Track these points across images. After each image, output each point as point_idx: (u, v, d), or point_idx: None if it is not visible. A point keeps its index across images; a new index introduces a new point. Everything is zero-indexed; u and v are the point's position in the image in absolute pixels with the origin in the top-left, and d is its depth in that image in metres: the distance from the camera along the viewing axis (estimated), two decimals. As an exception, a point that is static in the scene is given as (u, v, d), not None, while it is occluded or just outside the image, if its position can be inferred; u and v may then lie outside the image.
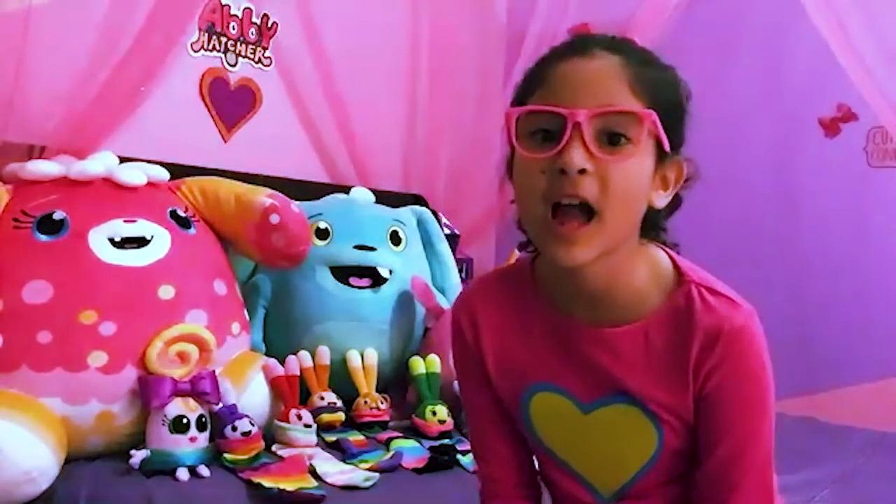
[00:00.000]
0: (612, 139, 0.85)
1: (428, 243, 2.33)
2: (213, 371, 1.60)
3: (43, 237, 1.55)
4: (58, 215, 1.57)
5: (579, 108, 0.84)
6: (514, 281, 1.02)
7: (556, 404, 0.98)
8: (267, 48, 2.44)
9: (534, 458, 1.09)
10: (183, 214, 1.75)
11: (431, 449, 1.72)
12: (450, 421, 1.85)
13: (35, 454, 1.37)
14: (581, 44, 0.89)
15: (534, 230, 0.90)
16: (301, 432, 1.69)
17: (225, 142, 2.36)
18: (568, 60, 0.87)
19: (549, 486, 1.09)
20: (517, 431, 1.06)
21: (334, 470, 1.56)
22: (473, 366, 1.04)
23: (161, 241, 1.65)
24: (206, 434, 1.54)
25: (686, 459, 0.96)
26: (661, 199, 0.91)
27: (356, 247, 2.06)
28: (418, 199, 2.69)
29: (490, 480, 1.09)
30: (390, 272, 2.09)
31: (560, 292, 0.96)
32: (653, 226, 0.95)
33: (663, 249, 0.97)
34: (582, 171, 0.83)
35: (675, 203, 0.95)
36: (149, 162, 1.81)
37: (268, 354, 1.87)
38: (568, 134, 0.83)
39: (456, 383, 1.76)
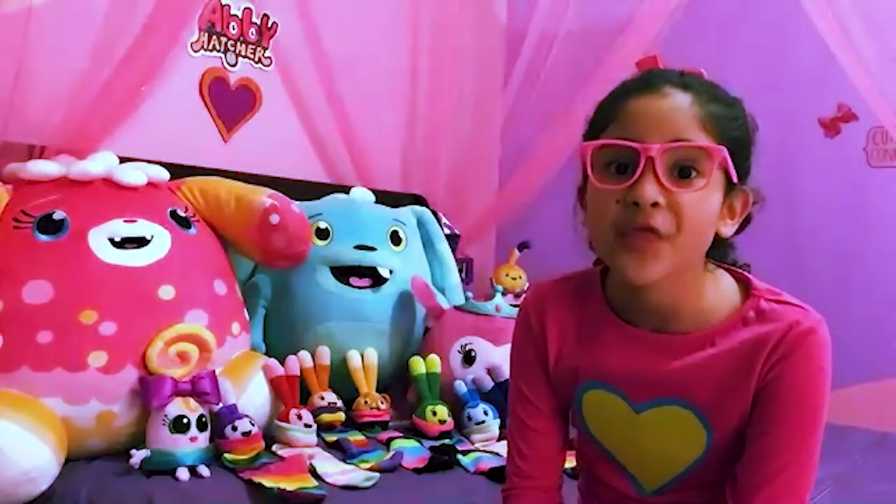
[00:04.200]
0: (683, 172, 0.89)
1: (428, 243, 2.33)
2: (214, 371, 1.60)
3: (43, 237, 1.55)
4: (58, 215, 1.57)
5: (652, 142, 0.88)
6: (583, 285, 1.06)
7: (609, 402, 1.02)
8: (267, 48, 2.44)
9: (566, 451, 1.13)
10: (183, 214, 1.75)
11: (432, 449, 1.72)
12: (450, 421, 1.85)
13: (35, 454, 1.37)
14: (652, 81, 0.93)
15: (603, 249, 0.95)
16: (301, 432, 1.69)
17: (225, 142, 2.36)
18: (639, 97, 0.91)
19: (590, 471, 1.12)
20: (563, 429, 1.10)
21: (334, 470, 1.56)
22: (535, 357, 1.07)
23: (161, 241, 1.65)
24: (207, 434, 1.54)
25: (731, 465, 0.97)
26: (728, 228, 0.96)
27: (356, 247, 2.06)
28: (418, 199, 2.68)
29: (521, 476, 1.09)
30: (390, 272, 2.09)
31: (626, 305, 1.00)
32: (720, 251, 0.99)
33: (730, 271, 1.00)
34: (654, 205, 0.88)
35: (743, 226, 0.99)
36: (149, 162, 1.81)
37: (268, 354, 1.87)
38: (641, 167, 0.88)
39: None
